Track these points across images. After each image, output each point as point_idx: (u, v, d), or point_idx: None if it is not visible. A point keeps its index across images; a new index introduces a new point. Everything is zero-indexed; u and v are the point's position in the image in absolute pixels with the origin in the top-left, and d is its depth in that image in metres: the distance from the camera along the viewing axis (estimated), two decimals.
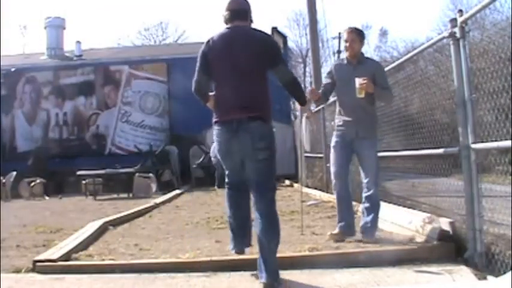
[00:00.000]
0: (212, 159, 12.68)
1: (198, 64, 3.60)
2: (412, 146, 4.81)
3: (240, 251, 3.77)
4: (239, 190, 3.63)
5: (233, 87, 3.43)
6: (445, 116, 4.19)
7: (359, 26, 5.03)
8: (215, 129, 3.54)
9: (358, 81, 4.39)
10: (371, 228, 4.45)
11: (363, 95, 4.45)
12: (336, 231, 4.61)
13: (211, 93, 3.62)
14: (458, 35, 3.58)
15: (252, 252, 4.10)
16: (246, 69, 3.41)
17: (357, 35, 4.62)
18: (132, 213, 7.45)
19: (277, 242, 3.38)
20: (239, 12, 3.53)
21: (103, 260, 4.15)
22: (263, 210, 3.37)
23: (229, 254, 3.96)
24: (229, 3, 3.57)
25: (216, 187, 12.38)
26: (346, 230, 4.56)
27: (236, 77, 3.42)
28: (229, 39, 3.47)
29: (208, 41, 3.54)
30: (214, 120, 3.56)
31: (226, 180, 3.72)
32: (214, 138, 3.60)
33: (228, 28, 3.53)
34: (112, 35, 58.88)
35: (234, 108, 3.39)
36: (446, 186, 4.45)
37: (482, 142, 3.39)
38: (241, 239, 3.71)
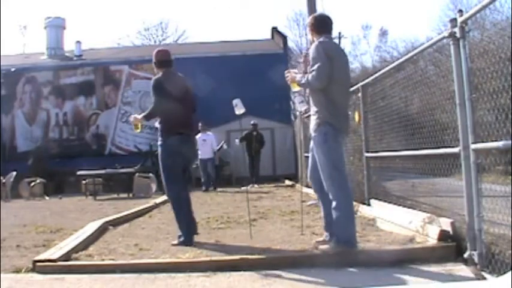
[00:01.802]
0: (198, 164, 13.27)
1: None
2: (412, 146, 4.81)
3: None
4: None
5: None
6: (445, 116, 4.18)
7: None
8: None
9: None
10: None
11: (295, 89, 4.26)
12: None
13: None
14: (458, 35, 3.58)
15: (252, 252, 4.11)
16: None
17: (308, 25, 4.36)
18: (132, 213, 7.45)
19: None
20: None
21: (103, 260, 4.15)
22: None
23: (229, 254, 3.95)
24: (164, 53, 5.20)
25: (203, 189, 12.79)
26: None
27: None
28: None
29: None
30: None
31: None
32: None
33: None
34: (112, 35, 58.95)
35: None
36: (446, 186, 4.45)
37: (482, 142, 3.39)
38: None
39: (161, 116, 4.94)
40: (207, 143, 13.05)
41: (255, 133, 13.99)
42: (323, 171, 4.03)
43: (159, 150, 4.98)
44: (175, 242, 4.77)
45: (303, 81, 4.10)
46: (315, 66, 3.95)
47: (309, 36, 4.55)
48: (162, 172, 5.00)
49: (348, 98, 4.54)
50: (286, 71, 4.26)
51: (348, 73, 4.44)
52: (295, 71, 4.32)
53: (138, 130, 5.24)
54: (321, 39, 4.08)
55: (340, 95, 4.10)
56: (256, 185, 13.46)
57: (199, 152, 12.68)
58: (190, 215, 5.01)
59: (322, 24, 4.26)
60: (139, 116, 5.12)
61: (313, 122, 4.10)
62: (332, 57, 3.99)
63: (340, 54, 4.30)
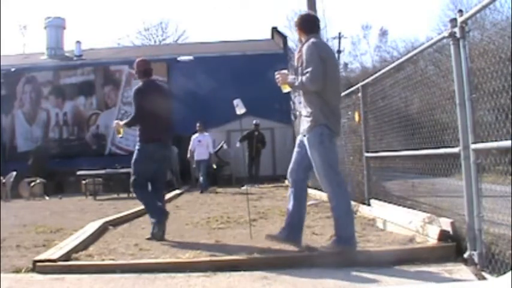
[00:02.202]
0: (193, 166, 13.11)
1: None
2: (412, 146, 4.81)
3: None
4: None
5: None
6: (445, 116, 4.18)
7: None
8: None
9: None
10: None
11: (285, 90, 4.24)
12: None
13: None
14: (458, 35, 3.58)
15: (252, 252, 4.11)
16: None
17: (296, 24, 4.33)
18: (132, 213, 7.45)
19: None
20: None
21: (103, 260, 4.15)
22: None
23: (229, 254, 3.95)
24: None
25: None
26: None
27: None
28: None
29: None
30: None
31: None
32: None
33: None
34: (112, 35, 58.88)
35: None
36: (446, 186, 4.45)
37: (482, 142, 3.39)
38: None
39: (140, 124, 5.30)
40: (202, 144, 12.62)
41: (256, 133, 13.91)
42: (319, 172, 4.03)
43: (135, 153, 5.35)
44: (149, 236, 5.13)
45: (296, 84, 4.09)
46: (310, 68, 3.94)
47: (296, 35, 4.54)
48: (131, 174, 5.37)
49: (340, 98, 4.54)
50: (276, 72, 4.23)
51: (339, 74, 4.44)
52: (286, 72, 4.29)
53: (120, 135, 5.74)
54: (314, 40, 4.07)
55: (333, 96, 4.10)
56: (257, 185, 13.30)
57: (194, 153, 12.63)
58: (160, 212, 5.25)
59: (310, 24, 4.27)
60: (122, 123, 5.57)
61: (306, 123, 4.10)
62: (325, 58, 4.00)
63: (332, 55, 4.35)
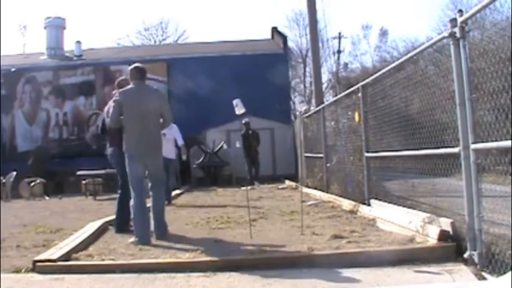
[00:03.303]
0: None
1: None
2: (412, 146, 4.81)
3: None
4: None
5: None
6: (445, 116, 4.18)
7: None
8: None
9: None
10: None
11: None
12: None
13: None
14: (458, 35, 3.58)
15: (252, 252, 4.11)
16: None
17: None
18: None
19: None
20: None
21: (103, 260, 4.15)
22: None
23: (229, 254, 3.95)
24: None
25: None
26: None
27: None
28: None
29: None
30: None
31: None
32: None
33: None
34: (112, 35, 58.85)
35: None
36: (446, 186, 4.44)
37: (482, 142, 3.39)
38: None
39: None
40: (167, 139, 8.96)
41: (250, 132, 13.60)
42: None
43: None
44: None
45: None
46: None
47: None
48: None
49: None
50: None
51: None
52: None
53: None
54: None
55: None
56: (258, 185, 13.04)
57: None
58: (125, 212, 5.81)
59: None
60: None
61: None
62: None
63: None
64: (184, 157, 10.64)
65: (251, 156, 13.52)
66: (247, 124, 13.20)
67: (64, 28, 21.63)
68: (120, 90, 5.50)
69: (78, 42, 20.78)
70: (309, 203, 7.50)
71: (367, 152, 6.40)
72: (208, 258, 3.97)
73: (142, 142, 5.17)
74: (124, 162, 5.41)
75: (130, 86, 5.40)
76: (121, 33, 61.69)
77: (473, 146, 3.47)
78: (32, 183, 13.66)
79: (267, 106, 16.39)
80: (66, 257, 4.18)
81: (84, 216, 7.50)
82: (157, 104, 5.36)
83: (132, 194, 5.25)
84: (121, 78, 6.17)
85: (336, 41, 31.11)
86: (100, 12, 54.95)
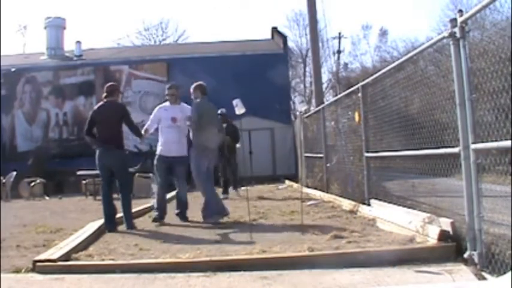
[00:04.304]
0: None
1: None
2: (412, 146, 4.80)
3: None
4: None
5: None
6: (445, 116, 4.18)
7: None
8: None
9: None
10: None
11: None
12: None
13: None
14: (458, 35, 3.58)
15: (252, 252, 4.11)
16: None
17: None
18: (132, 213, 7.43)
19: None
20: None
21: (103, 260, 4.15)
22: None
23: (229, 254, 3.94)
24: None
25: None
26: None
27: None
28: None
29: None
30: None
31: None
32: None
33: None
34: (112, 35, 58.83)
35: None
36: (446, 186, 4.44)
37: (482, 142, 3.39)
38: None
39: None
40: (178, 126, 7.38)
41: (225, 125, 9.45)
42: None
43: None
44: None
45: None
46: None
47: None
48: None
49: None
50: None
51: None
52: None
53: None
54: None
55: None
56: (237, 192, 10.85)
57: None
58: (111, 208, 6.36)
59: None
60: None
61: None
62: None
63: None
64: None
65: (224, 155, 10.38)
66: (223, 115, 9.97)
67: (64, 28, 21.64)
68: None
69: (78, 42, 20.80)
70: (309, 203, 7.50)
71: (367, 152, 6.40)
72: (208, 258, 3.97)
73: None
74: (124, 163, 6.08)
75: (200, 100, 6.85)
76: (121, 33, 61.66)
77: (473, 146, 3.47)
78: (32, 183, 13.66)
79: (267, 106, 16.40)
80: (66, 257, 4.18)
81: (84, 216, 7.50)
82: None
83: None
84: (109, 84, 6.90)
85: (336, 41, 31.15)
86: (100, 12, 54.99)
